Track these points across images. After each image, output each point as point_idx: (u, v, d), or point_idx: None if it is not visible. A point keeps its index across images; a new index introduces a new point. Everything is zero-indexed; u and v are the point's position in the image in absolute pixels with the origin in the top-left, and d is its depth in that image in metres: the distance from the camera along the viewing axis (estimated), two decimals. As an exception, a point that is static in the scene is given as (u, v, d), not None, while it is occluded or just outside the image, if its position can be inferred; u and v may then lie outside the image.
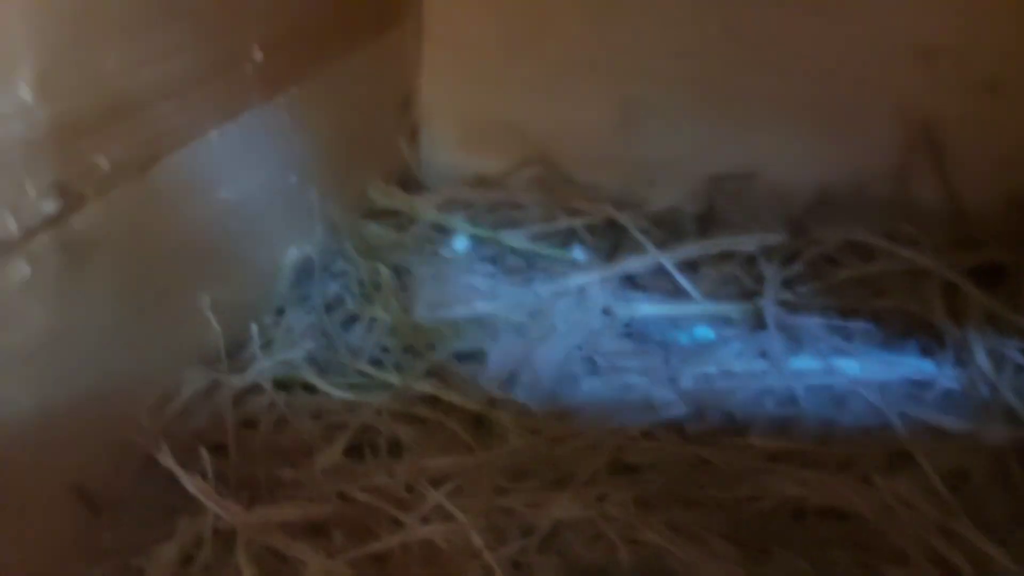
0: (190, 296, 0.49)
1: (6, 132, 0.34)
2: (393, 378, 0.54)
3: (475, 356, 0.58)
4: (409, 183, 0.77)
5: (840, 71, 0.72)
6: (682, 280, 0.65)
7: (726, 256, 0.69)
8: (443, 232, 0.70)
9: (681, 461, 0.52)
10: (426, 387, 0.54)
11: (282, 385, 0.52)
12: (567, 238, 0.72)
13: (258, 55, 0.51)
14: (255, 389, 0.51)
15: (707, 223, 0.75)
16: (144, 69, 0.42)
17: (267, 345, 0.54)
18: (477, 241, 0.70)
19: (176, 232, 0.47)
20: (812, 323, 0.62)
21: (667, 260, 0.66)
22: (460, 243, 0.70)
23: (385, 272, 0.62)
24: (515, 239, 0.70)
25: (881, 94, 0.72)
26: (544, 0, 0.75)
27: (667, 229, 0.73)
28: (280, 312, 0.57)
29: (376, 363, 0.56)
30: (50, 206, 0.37)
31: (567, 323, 0.62)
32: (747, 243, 0.68)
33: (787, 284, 0.66)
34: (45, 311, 0.38)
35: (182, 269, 0.48)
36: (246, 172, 0.52)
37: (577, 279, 0.65)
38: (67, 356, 0.39)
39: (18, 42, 0.34)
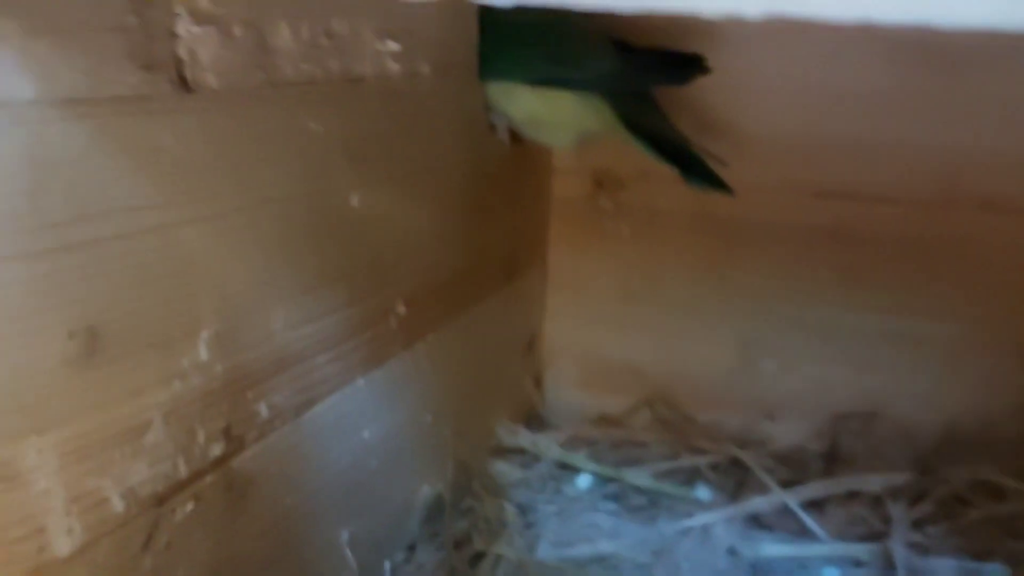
0: (331, 532, 0.52)
1: (185, 387, 0.39)
2: (519, 617, 0.55)
3: (599, 596, 0.59)
4: (534, 422, 0.79)
5: (957, 312, 0.73)
6: (808, 520, 0.64)
7: (853, 495, 0.68)
8: (567, 470, 0.72)
9: None
10: (551, 628, 0.54)
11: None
12: (690, 476, 0.73)
13: (401, 309, 0.56)
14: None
15: (832, 461, 0.74)
16: (305, 327, 0.47)
17: (399, 581, 0.56)
18: (600, 479, 0.72)
19: (322, 471, 0.50)
20: (943, 565, 0.60)
21: (792, 499, 0.66)
22: (583, 481, 0.71)
23: (510, 510, 0.63)
24: (638, 477, 0.71)
25: (1001, 332, 0.72)
26: (661, 249, 0.79)
27: (791, 467, 0.73)
28: (411, 548, 0.59)
29: (502, 602, 0.57)
30: (216, 450, 0.41)
31: (691, 564, 0.62)
32: (873, 482, 0.67)
33: (916, 525, 0.65)
34: (206, 545, 0.41)
35: (325, 505, 0.51)
36: (386, 414, 0.56)
37: (701, 518, 0.66)
38: (221, 590, 0.42)
39: (203, 309, 0.39)
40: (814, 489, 0.68)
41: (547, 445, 0.73)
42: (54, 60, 0.30)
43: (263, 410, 0.44)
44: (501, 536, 0.61)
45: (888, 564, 0.61)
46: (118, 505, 0.36)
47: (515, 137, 0.69)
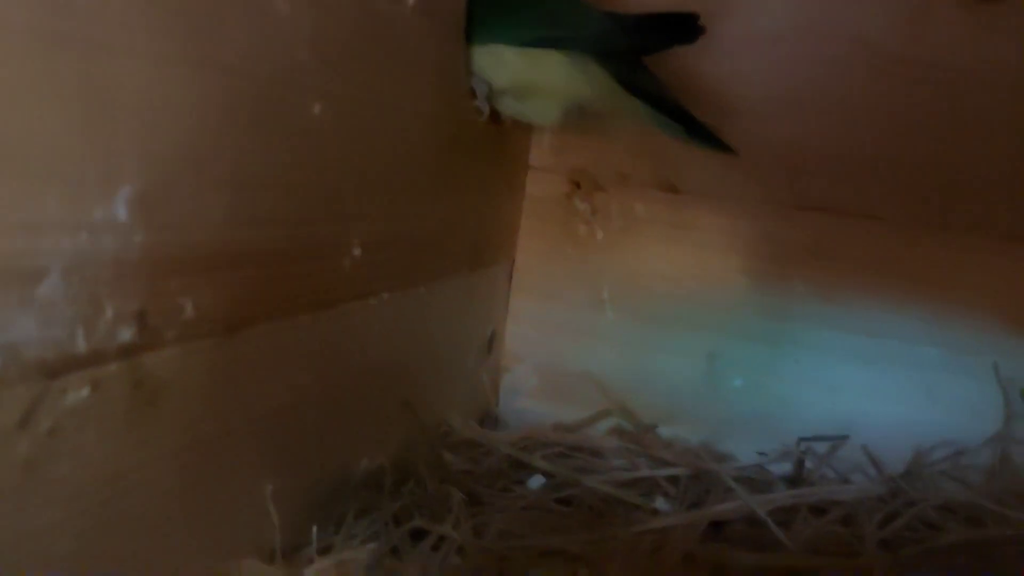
0: (253, 481, 0.44)
1: (95, 244, 0.32)
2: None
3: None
4: (488, 422, 0.72)
5: (934, 336, 0.68)
6: (774, 527, 0.57)
7: (818, 512, 0.61)
8: (519, 469, 0.65)
9: None
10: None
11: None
12: (648, 488, 0.65)
13: (357, 251, 0.49)
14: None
15: (796, 483, 0.68)
16: (246, 229, 0.40)
17: (326, 551, 0.48)
18: (553, 483, 0.64)
19: (250, 407, 0.43)
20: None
21: (759, 508, 0.59)
22: (535, 482, 0.64)
23: (457, 495, 0.56)
24: (594, 481, 0.64)
25: (977, 357, 0.67)
26: (634, 257, 0.74)
27: (754, 488, 0.67)
28: (343, 518, 0.51)
29: (441, 582, 0.49)
30: (126, 334, 0.34)
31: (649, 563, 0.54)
32: (844, 492, 0.61)
33: (886, 545, 0.58)
34: (100, 447, 0.33)
35: (249, 449, 0.43)
36: (330, 365, 0.49)
37: (658, 525, 0.58)
38: (115, 509, 0.34)
39: (124, 160, 0.32)
40: (781, 498, 0.61)
41: (500, 441, 0.66)
42: None
43: (188, 307, 0.37)
44: (446, 520, 0.53)
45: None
46: (-9, 359, 0.28)
47: (494, 117, 0.64)
